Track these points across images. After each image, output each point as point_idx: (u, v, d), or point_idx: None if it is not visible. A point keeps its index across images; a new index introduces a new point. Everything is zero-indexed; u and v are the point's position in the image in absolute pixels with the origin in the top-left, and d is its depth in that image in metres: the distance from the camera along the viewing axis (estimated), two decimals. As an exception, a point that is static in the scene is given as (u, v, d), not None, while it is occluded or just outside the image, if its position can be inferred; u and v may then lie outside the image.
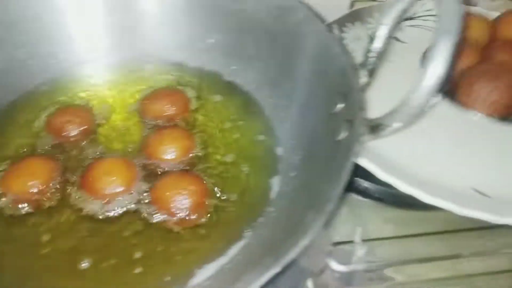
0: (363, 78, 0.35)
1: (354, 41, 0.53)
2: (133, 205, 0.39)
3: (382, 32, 0.33)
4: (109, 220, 0.38)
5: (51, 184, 0.40)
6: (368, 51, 0.35)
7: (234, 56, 0.49)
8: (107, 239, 0.37)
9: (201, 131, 0.45)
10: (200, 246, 0.37)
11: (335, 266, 0.42)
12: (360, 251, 0.43)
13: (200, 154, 0.43)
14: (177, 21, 0.49)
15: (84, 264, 0.36)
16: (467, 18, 0.47)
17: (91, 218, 0.38)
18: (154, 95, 0.47)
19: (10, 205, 0.39)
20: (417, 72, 0.26)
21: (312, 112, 0.40)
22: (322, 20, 0.39)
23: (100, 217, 0.38)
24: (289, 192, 0.39)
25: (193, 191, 0.38)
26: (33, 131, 0.45)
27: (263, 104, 0.47)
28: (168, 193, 0.38)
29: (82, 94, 0.48)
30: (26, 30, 0.47)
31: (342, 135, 0.34)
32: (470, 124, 0.45)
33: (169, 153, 0.42)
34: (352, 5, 0.60)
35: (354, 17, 0.56)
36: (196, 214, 0.39)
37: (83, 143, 0.43)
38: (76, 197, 0.40)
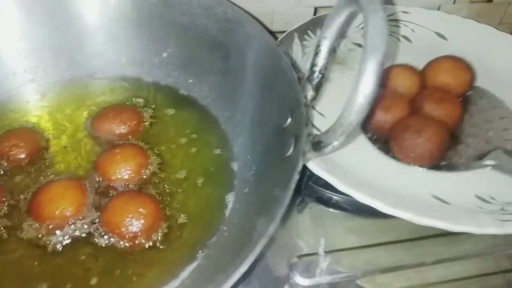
0: (309, 93, 0.34)
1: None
2: (84, 229, 0.38)
3: (324, 46, 0.33)
4: (60, 246, 0.37)
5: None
6: (313, 65, 0.34)
7: (189, 70, 0.48)
8: (59, 267, 0.36)
9: (156, 147, 0.44)
10: (152, 269, 0.36)
11: (299, 279, 0.42)
12: (324, 263, 0.43)
13: (154, 171, 0.42)
14: (130, 36, 0.49)
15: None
16: (397, 69, 0.48)
17: (41, 245, 0.37)
18: (106, 112, 0.46)
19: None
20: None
21: (265, 127, 0.40)
22: (270, 33, 0.39)
23: (50, 243, 0.37)
24: (242, 210, 0.38)
25: (145, 213, 0.37)
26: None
27: (219, 118, 0.46)
28: (118, 217, 0.37)
29: (30, 116, 0.47)
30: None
31: (291, 151, 0.34)
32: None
33: (122, 172, 0.41)
34: (315, 12, 0.60)
35: (316, 24, 0.56)
36: (149, 236, 0.38)
37: (31, 167, 0.42)
38: (25, 223, 0.38)
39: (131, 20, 0.48)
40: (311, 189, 0.46)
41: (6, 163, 0.42)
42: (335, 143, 0.28)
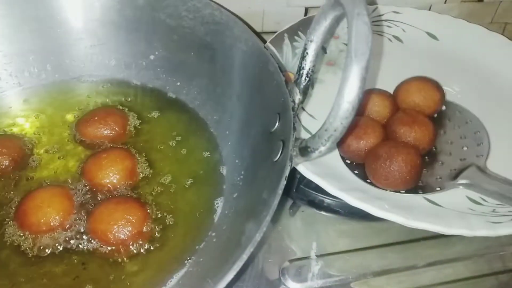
0: (297, 97, 0.34)
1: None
2: (71, 237, 0.37)
3: (311, 49, 0.32)
4: (46, 254, 0.37)
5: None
6: (300, 68, 0.34)
7: (177, 72, 0.48)
8: (45, 275, 0.36)
9: (145, 150, 0.44)
10: (140, 277, 0.36)
11: (290, 284, 0.41)
12: (316, 266, 0.43)
13: (143, 175, 0.42)
14: (116, 39, 0.48)
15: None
16: (368, 95, 0.48)
17: (28, 254, 0.37)
18: (91, 116, 0.45)
19: None
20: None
21: (253, 131, 0.39)
22: (260, 34, 0.38)
23: (36, 252, 0.37)
24: (231, 215, 0.38)
25: (132, 219, 0.37)
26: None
27: (208, 121, 0.46)
28: (105, 224, 0.37)
29: (13, 122, 0.46)
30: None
31: (279, 155, 0.33)
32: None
33: (111, 177, 0.40)
34: (306, 12, 0.59)
35: (306, 25, 0.55)
36: (137, 243, 0.37)
37: (15, 174, 0.41)
38: (12, 232, 0.38)
39: (117, 23, 0.47)
40: (303, 192, 0.46)
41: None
42: (322, 148, 0.28)
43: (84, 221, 0.38)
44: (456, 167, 0.45)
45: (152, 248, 0.37)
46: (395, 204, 0.40)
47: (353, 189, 0.41)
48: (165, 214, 0.39)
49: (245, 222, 0.32)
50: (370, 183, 0.44)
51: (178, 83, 0.48)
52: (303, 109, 0.49)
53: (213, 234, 0.38)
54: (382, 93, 0.49)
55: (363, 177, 0.44)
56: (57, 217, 0.37)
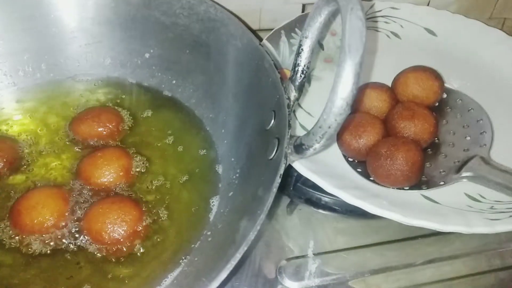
0: (292, 94, 0.34)
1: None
2: (66, 237, 0.37)
3: (306, 46, 0.32)
4: (40, 255, 0.36)
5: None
6: (295, 65, 0.33)
7: (172, 70, 0.47)
8: (40, 275, 0.35)
9: (141, 149, 0.44)
10: (135, 277, 0.35)
11: (287, 283, 0.41)
12: (313, 265, 0.42)
13: (138, 174, 0.42)
14: (111, 37, 0.48)
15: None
16: (366, 90, 0.47)
17: (22, 254, 0.36)
18: (85, 114, 0.45)
19: None
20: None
21: (249, 129, 0.39)
22: (256, 31, 0.38)
23: (31, 252, 0.36)
24: (226, 213, 0.38)
25: (127, 219, 0.37)
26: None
27: (203, 119, 0.45)
28: (100, 223, 0.36)
29: (7, 122, 0.46)
30: None
31: (274, 153, 0.33)
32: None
33: (107, 176, 0.40)
34: (304, 9, 0.59)
35: (303, 22, 0.54)
36: (132, 243, 0.37)
37: (10, 175, 0.41)
38: (7, 233, 0.37)
39: (112, 21, 0.47)
40: (300, 191, 0.46)
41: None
42: (316, 145, 0.28)
43: (79, 221, 0.38)
44: (460, 158, 0.44)
45: (147, 247, 0.37)
46: (393, 202, 0.40)
47: (349, 187, 0.41)
48: (160, 213, 0.39)
49: (240, 219, 0.32)
50: (374, 181, 0.43)
51: (174, 81, 0.48)
52: (300, 106, 0.48)
53: (209, 233, 0.37)
54: (380, 86, 0.48)
55: (366, 174, 0.44)
56: (51, 218, 0.37)
